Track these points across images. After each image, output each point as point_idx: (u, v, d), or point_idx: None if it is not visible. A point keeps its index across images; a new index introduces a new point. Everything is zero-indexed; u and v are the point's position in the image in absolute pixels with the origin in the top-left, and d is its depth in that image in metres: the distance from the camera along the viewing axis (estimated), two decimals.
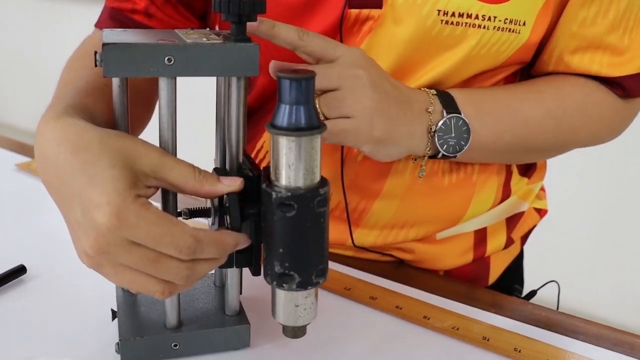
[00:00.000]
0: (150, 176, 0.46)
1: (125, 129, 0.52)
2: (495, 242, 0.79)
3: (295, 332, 0.51)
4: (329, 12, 0.62)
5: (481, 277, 0.80)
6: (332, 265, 0.71)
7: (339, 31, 0.63)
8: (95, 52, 0.47)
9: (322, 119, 0.53)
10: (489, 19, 0.61)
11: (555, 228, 1.29)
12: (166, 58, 0.47)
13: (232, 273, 0.56)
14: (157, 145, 0.50)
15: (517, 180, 0.78)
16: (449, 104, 0.62)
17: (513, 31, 0.62)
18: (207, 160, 0.63)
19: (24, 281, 0.66)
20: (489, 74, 0.68)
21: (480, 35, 0.62)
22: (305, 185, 0.46)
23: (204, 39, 0.49)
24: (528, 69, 0.73)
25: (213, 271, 0.63)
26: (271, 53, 0.60)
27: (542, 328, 0.62)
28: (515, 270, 0.86)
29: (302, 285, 0.47)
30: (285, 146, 0.45)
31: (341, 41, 0.63)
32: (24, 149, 1.04)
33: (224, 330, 0.56)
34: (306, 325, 0.51)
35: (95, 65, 0.48)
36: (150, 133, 0.68)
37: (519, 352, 0.58)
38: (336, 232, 0.72)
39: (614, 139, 0.74)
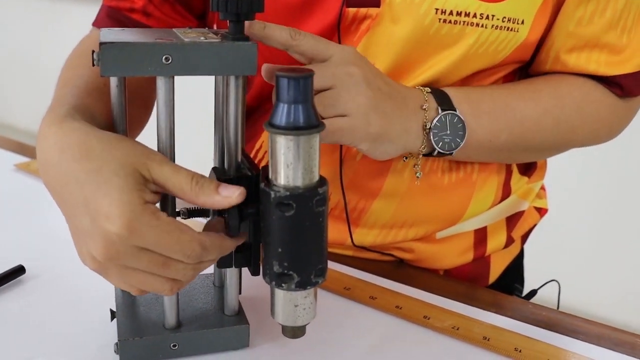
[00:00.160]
0: (151, 182, 0.46)
1: (123, 129, 0.52)
2: (495, 241, 0.78)
3: (295, 332, 0.50)
4: (327, 11, 0.62)
5: (481, 277, 0.80)
6: (332, 265, 0.71)
7: (337, 30, 0.63)
8: (93, 52, 0.47)
9: None
10: (487, 17, 0.61)
11: (555, 227, 1.29)
12: (164, 57, 0.47)
13: (231, 273, 0.56)
14: (156, 144, 0.50)
15: (517, 179, 0.78)
16: (444, 101, 0.62)
17: (511, 30, 0.62)
18: (205, 159, 0.63)
19: (23, 281, 0.66)
20: (487, 72, 0.67)
21: (478, 34, 0.61)
22: (304, 184, 0.46)
23: (202, 38, 0.49)
24: (526, 68, 0.73)
25: (212, 271, 0.63)
26: (263, 55, 0.60)
27: (543, 328, 0.62)
28: (515, 270, 0.86)
29: (301, 285, 0.47)
30: (284, 145, 0.45)
31: (339, 40, 0.63)
32: (24, 149, 1.04)
33: (223, 331, 0.56)
34: (305, 325, 0.50)
35: (93, 65, 0.47)
36: (148, 133, 0.68)
37: (520, 352, 0.58)
38: (335, 231, 0.72)
39: (613, 138, 0.74)
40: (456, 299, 0.66)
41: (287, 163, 0.45)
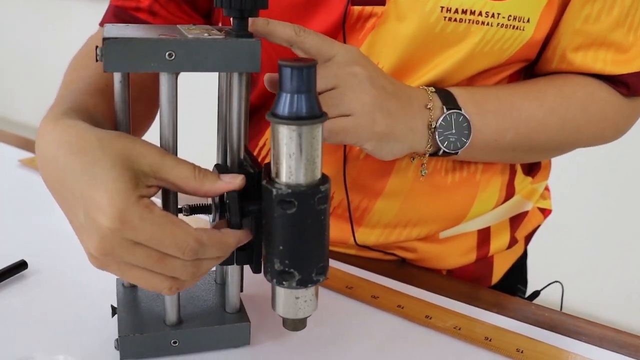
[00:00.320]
0: (150, 176, 0.46)
1: (126, 126, 0.52)
2: (498, 241, 0.78)
3: (296, 324, 0.50)
4: (332, 9, 0.62)
5: (484, 277, 0.80)
6: (334, 264, 0.70)
7: (342, 28, 0.62)
8: (97, 47, 0.47)
9: None
10: (493, 15, 0.60)
11: (559, 228, 1.29)
12: (167, 53, 0.46)
13: (232, 270, 0.55)
14: (158, 141, 0.50)
15: (521, 179, 0.78)
16: (449, 101, 0.62)
17: (517, 28, 0.62)
18: (208, 156, 0.63)
19: (25, 276, 0.66)
20: (492, 71, 0.67)
21: (484, 32, 0.61)
22: (306, 181, 0.45)
23: (206, 35, 0.49)
24: (532, 68, 0.72)
25: (214, 268, 0.63)
26: (267, 52, 0.60)
27: (545, 329, 0.62)
28: (518, 271, 0.86)
29: (302, 283, 0.47)
30: (286, 135, 0.45)
31: (344, 38, 0.63)
32: (28, 145, 1.04)
33: (224, 328, 0.56)
34: (306, 317, 0.50)
35: (97, 60, 0.47)
36: (151, 129, 0.68)
37: (522, 352, 0.57)
38: (338, 230, 0.72)
39: (618, 138, 0.74)
40: (458, 299, 0.66)
41: (289, 153, 0.45)
